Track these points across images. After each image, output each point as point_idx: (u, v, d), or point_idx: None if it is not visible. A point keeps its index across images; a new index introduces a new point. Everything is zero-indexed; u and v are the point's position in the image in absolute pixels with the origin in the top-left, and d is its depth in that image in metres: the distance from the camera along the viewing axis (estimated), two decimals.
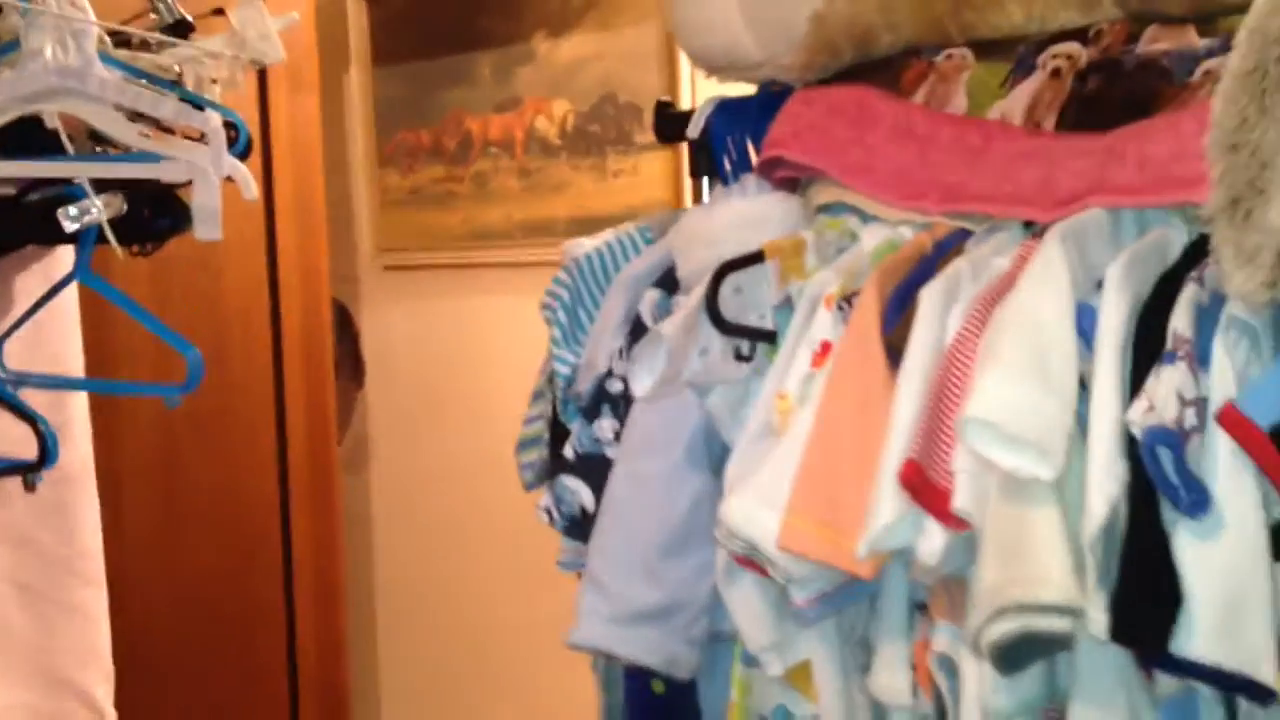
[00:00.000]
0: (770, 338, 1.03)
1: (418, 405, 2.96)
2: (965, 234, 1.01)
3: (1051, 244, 0.88)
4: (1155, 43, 0.97)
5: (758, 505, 0.96)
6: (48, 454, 1.19)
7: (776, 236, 1.08)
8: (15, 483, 1.49)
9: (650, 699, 1.20)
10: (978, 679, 0.95)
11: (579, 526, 1.12)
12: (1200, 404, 0.82)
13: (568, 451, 1.13)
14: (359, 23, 2.94)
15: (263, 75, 1.91)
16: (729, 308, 1.01)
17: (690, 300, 1.02)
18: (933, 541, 0.91)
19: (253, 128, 1.90)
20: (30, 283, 1.55)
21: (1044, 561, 0.85)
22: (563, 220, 2.72)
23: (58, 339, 1.56)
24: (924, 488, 0.89)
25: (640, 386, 1.00)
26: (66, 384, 1.48)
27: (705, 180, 1.28)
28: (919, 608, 1.01)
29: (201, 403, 1.84)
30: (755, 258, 1.02)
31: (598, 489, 1.11)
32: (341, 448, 3.07)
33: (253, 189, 1.34)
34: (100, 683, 1.57)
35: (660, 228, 1.22)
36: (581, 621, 1.08)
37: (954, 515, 0.89)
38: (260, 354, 1.90)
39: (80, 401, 1.58)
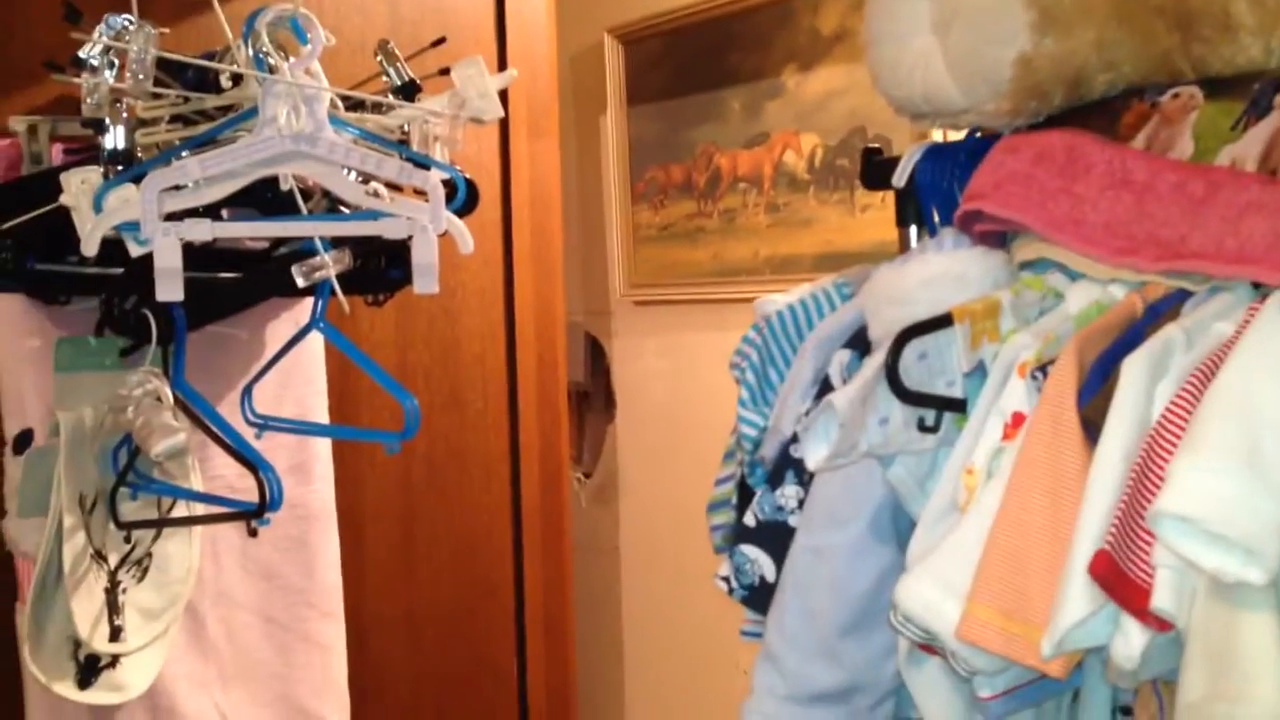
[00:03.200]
0: (957, 406, 0.96)
1: (666, 438, 2.97)
2: (1183, 295, 0.91)
3: (1271, 312, 0.77)
4: None
5: (936, 590, 0.89)
6: (271, 500, 1.26)
7: (975, 295, 1.00)
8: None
9: None
10: None
11: (758, 597, 1.08)
12: None
13: (748, 518, 1.09)
14: (614, 65, 3.00)
15: (505, 125, 1.98)
16: (912, 374, 0.94)
17: (868, 367, 0.96)
18: (1131, 642, 0.81)
19: (494, 177, 1.97)
20: (280, 330, 1.66)
21: (1255, 676, 0.74)
22: (810, 256, 2.68)
23: (303, 383, 1.66)
24: (1119, 582, 0.80)
25: (813, 458, 0.95)
26: (297, 429, 1.57)
27: (914, 230, 1.22)
28: (1123, 710, 0.91)
29: (439, 445, 1.92)
30: (942, 321, 0.95)
31: (778, 558, 1.06)
32: (592, 480, 3.14)
33: (468, 244, 1.38)
34: (335, 712, 1.66)
35: (859, 282, 1.16)
36: (756, 699, 1.04)
37: (1153, 615, 0.80)
38: (496, 398, 1.95)
39: (323, 442, 1.68)
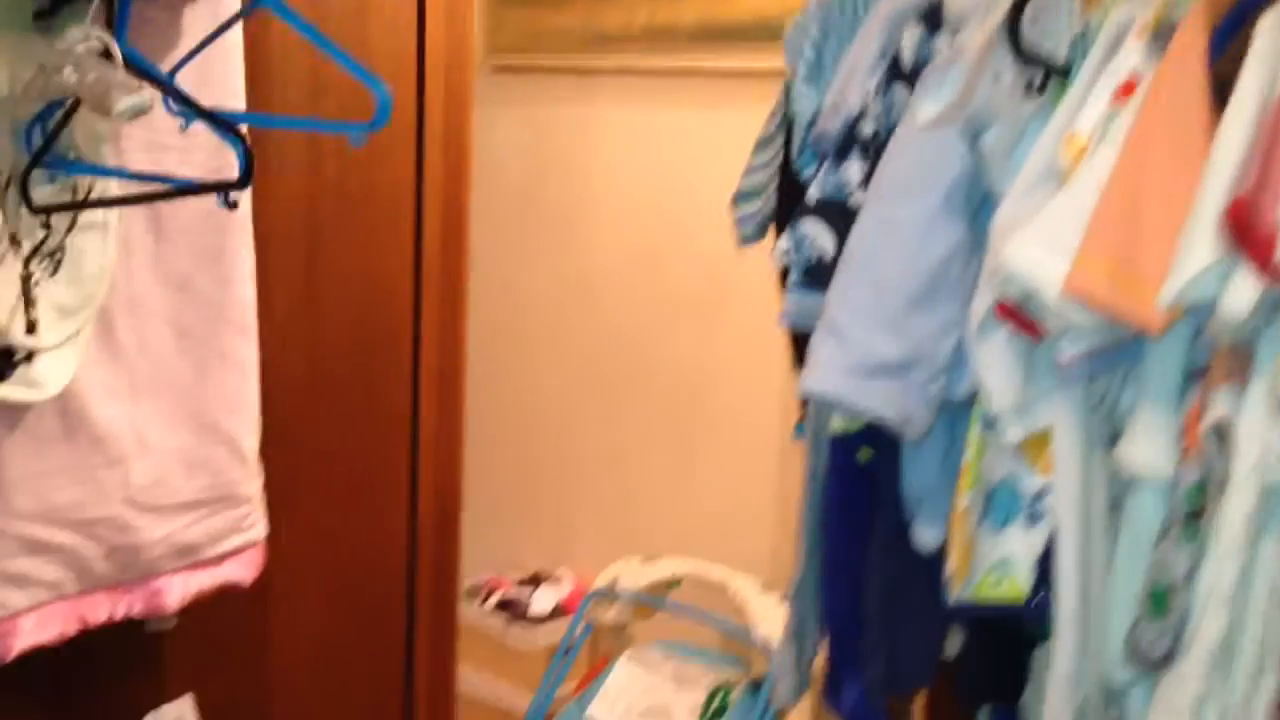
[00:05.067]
0: (1062, 72, 0.95)
1: (521, 213, 2.89)
2: None
3: None
4: None
5: (1041, 248, 0.89)
6: (247, 171, 1.13)
7: None
8: (178, 221, 1.45)
9: (855, 466, 1.15)
10: (1261, 448, 0.89)
11: (816, 274, 1.05)
12: None
13: (811, 193, 1.05)
14: None
15: None
16: (1024, 36, 0.92)
17: (987, 23, 0.93)
18: (1241, 295, 0.84)
19: None
20: (198, 16, 1.47)
21: None
22: (687, 26, 2.60)
23: (220, 82, 1.49)
24: (1249, 232, 0.82)
25: (925, 113, 0.92)
26: (257, 120, 1.42)
27: None
28: (1197, 373, 0.95)
29: (347, 177, 1.78)
30: None
31: (840, 235, 1.04)
32: None
33: None
34: (248, 432, 1.55)
35: None
36: (817, 370, 1.02)
37: (1275, 267, 0.82)
38: (405, 128, 1.82)
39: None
